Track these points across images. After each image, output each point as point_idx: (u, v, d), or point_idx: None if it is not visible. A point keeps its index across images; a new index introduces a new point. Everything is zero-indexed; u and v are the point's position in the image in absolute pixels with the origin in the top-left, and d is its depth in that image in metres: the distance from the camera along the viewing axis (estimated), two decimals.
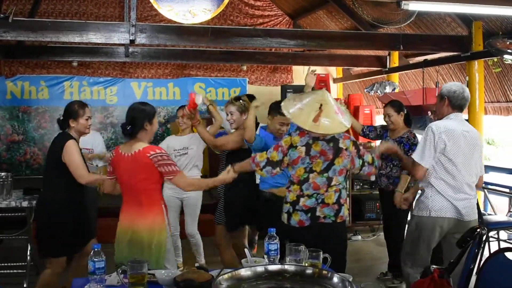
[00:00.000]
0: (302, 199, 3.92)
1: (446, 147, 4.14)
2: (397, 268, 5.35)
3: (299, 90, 9.23)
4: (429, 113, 6.31)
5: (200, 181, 4.49)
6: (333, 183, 3.93)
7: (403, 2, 5.36)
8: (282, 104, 4.06)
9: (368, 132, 6.25)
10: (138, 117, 3.85)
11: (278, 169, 3.97)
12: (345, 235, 4.27)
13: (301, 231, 3.91)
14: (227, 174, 3.98)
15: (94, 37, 6.25)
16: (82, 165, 4.41)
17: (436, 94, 7.76)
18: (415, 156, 4.24)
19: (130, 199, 3.83)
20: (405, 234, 4.89)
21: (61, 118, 4.58)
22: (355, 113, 9.45)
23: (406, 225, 5.33)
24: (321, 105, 3.83)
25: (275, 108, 4.81)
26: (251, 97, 5.00)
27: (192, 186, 4.28)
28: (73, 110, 4.56)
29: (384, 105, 6.19)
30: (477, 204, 5.82)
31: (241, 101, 4.96)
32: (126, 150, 3.82)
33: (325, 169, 3.91)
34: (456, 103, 4.30)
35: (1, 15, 5.92)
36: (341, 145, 3.96)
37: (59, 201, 4.45)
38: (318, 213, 3.90)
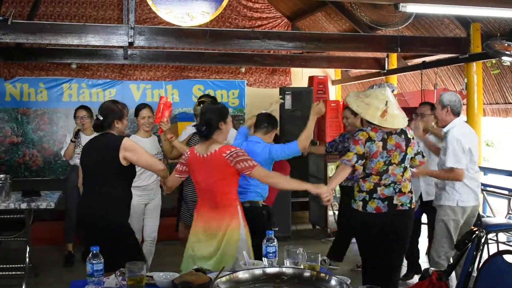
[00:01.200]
0: (379, 188, 4.26)
1: (470, 148, 4.96)
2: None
3: (297, 92, 9.31)
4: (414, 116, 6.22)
5: (281, 177, 4.06)
6: (407, 172, 4.37)
7: (401, 4, 5.36)
8: (347, 99, 4.52)
9: (331, 150, 6.30)
10: (212, 118, 3.80)
11: (365, 160, 4.27)
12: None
13: (377, 216, 4.26)
14: (320, 189, 3.89)
15: (93, 40, 6.26)
16: (155, 158, 4.40)
17: (435, 98, 7.83)
18: (451, 162, 4.84)
19: (206, 200, 3.85)
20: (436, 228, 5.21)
21: (101, 118, 4.17)
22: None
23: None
24: (386, 102, 4.26)
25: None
26: (214, 98, 5.00)
27: (272, 178, 3.96)
28: (118, 110, 4.28)
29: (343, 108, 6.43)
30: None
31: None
32: (201, 151, 3.82)
33: (401, 160, 4.30)
34: (456, 110, 5.06)
35: (0, 18, 5.93)
36: (409, 135, 4.38)
37: (123, 209, 4.19)
38: (395, 202, 4.27)
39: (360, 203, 4.30)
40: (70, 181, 6.59)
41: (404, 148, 4.29)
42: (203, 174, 3.80)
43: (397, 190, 4.26)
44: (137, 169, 4.40)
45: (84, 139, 6.41)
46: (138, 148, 4.11)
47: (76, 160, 6.52)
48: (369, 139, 4.24)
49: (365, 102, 4.32)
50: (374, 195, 4.25)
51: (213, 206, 3.79)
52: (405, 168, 4.32)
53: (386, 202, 4.23)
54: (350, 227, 5.56)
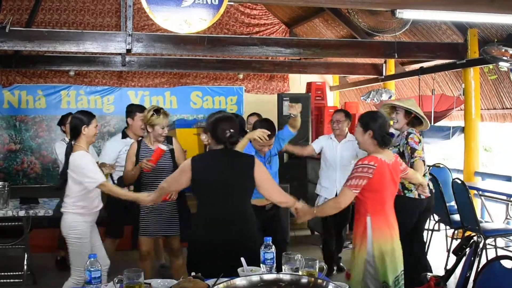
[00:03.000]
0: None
1: None
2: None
3: (295, 98, 9.28)
4: None
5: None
6: None
7: (398, 10, 5.38)
8: (395, 103, 5.31)
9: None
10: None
11: None
12: None
13: (427, 199, 5.08)
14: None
15: (91, 47, 6.26)
16: None
17: (433, 104, 7.86)
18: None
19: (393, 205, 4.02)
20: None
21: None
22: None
23: None
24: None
25: (260, 127, 4.91)
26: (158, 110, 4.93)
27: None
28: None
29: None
30: (474, 211, 5.87)
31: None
32: (387, 158, 3.86)
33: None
34: None
35: None
36: None
37: None
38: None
39: (416, 192, 4.95)
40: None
41: None
42: (391, 181, 3.89)
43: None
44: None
45: None
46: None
47: None
48: (420, 140, 5.01)
49: (408, 105, 5.12)
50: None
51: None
52: None
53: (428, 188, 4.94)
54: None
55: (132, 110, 5.72)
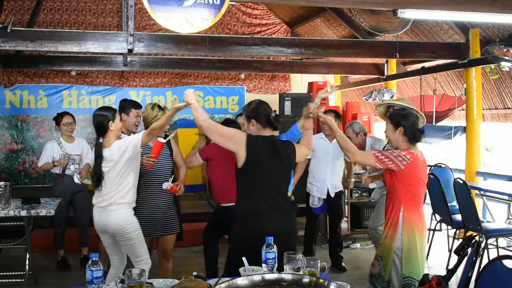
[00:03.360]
0: None
1: None
2: None
3: (297, 98, 9.28)
4: None
5: None
6: None
7: (399, 10, 5.38)
8: (396, 102, 5.23)
9: None
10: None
11: None
12: None
13: None
14: None
15: (93, 47, 6.28)
16: None
17: (434, 103, 7.85)
18: None
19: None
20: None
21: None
22: (353, 120, 9.46)
23: None
24: None
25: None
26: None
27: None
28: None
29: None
30: (476, 211, 5.87)
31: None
32: (419, 154, 4.03)
33: None
34: None
35: (0, 25, 5.94)
36: None
37: None
38: None
39: None
40: (56, 189, 6.49)
41: None
42: (424, 176, 4.08)
43: None
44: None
45: (67, 146, 6.40)
46: None
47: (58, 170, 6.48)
48: None
49: (405, 103, 4.97)
50: None
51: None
52: None
53: None
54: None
55: (127, 106, 5.41)
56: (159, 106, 4.87)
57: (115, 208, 4.28)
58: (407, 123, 4.01)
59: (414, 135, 4.01)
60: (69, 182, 6.31)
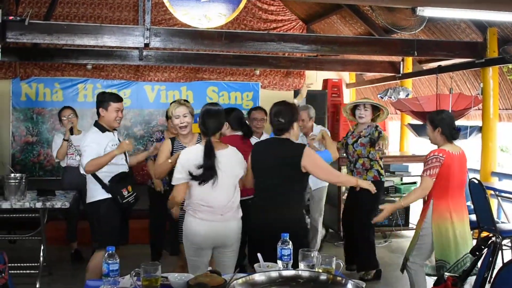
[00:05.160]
0: None
1: None
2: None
3: (312, 95, 9.27)
4: None
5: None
6: None
7: (419, 8, 5.35)
8: (365, 100, 5.99)
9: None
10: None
11: None
12: None
13: None
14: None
15: (109, 41, 6.30)
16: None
17: (450, 102, 7.79)
18: None
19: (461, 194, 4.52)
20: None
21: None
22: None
23: None
24: None
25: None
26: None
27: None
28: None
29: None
30: (491, 212, 5.83)
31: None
32: (454, 150, 4.43)
33: None
34: None
35: (18, 18, 5.98)
36: None
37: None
38: None
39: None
40: (65, 183, 6.51)
41: None
42: (460, 170, 4.46)
43: None
44: None
45: (73, 138, 6.48)
46: None
47: (70, 161, 6.51)
48: None
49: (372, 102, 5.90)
50: None
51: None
52: None
53: None
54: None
55: (105, 99, 4.76)
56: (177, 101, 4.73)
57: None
58: (444, 124, 4.46)
59: (451, 134, 4.47)
60: (76, 174, 5.98)
